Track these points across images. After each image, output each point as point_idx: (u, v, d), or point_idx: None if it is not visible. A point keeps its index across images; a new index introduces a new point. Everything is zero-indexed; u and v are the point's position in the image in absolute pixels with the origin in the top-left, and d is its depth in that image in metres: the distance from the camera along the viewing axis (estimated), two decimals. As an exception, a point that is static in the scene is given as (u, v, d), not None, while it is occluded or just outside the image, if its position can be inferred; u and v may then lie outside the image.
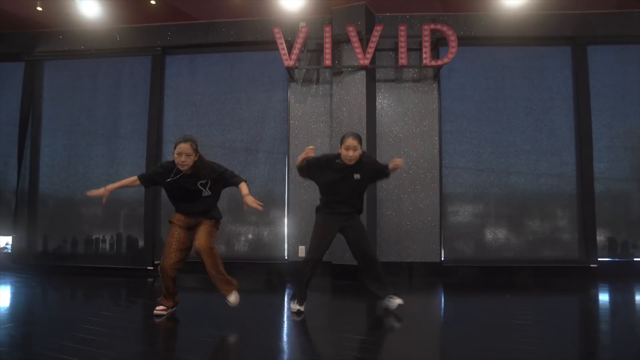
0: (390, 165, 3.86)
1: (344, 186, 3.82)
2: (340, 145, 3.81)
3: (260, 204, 3.39)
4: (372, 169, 3.90)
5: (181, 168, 3.48)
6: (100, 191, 3.47)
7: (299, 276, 3.91)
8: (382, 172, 3.95)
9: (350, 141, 3.73)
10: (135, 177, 3.63)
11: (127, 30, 6.17)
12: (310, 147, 3.84)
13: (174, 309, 3.76)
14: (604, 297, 4.92)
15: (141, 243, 6.01)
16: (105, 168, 6.19)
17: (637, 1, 5.33)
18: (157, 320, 3.59)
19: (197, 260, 3.62)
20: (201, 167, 3.54)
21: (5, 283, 5.31)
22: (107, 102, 6.29)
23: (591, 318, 4.06)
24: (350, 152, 3.73)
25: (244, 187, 3.50)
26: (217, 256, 3.62)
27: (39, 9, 5.30)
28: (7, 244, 6.37)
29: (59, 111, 6.38)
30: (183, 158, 3.44)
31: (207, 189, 3.59)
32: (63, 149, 6.31)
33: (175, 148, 3.47)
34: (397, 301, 3.82)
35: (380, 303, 3.97)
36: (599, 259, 5.49)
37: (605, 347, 3.23)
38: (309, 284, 3.89)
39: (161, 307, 3.67)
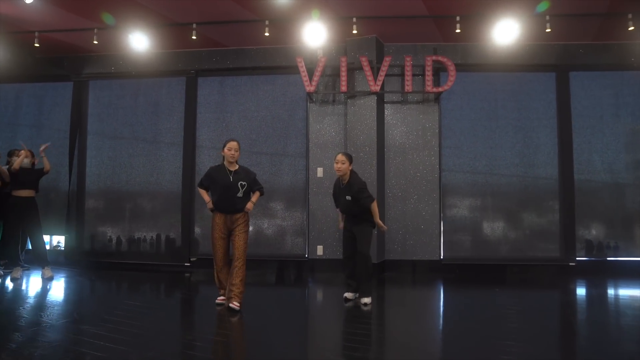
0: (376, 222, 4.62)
1: (342, 201, 4.72)
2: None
3: (249, 208, 4.48)
4: (355, 194, 4.58)
5: (231, 160, 4.38)
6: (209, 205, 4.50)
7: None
8: (361, 201, 4.58)
9: (339, 157, 4.65)
10: (203, 190, 4.54)
11: (164, 55, 7.00)
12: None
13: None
14: (580, 292, 5.74)
15: (178, 242, 6.86)
16: (145, 177, 7.04)
17: (611, 34, 6.14)
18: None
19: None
20: (243, 168, 4.54)
21: (61, 275, 6.16)
22: (147, 118, 7.14)
23: (569, 310, 4.88)
24: (339, 164, 4.61)
25: (256, 196, 4.56)
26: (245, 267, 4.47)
27: (95, 42, 6.13)
28: (59, 242, 7.24)
29: (104, 126, 7.24)
30: (233, 152, 4.39)
31: (242, 190, 4.43)
32: (108, 160, 7.16)
33: (225, 145, 4.40)
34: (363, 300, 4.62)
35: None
36: (577, 258, 6.35)
37: (581, 335, 3.94)
38: (350, 275, 4.76)
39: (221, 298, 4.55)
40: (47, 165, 6.01)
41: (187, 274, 6.51)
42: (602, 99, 6.55)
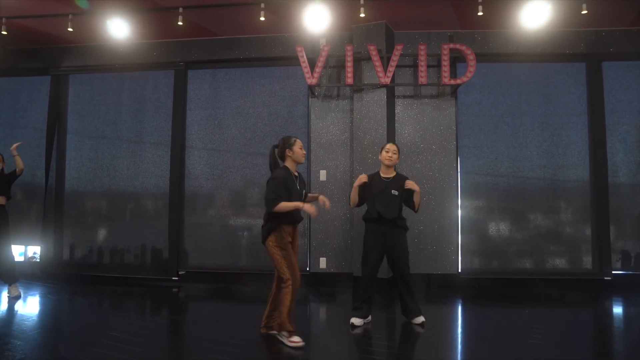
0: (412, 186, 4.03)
1: (384, 199, 4.05)
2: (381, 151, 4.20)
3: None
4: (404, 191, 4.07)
5: (303, 161, 3.78)
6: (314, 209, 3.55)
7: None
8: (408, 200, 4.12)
9: (391, 146, 4.13)
10: (286, 203, 3.51)
11: (150, 46, 6.31)
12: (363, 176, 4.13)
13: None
14: (617, 310, 5.03)
15: (165, 254, 6.17)
16: (130, 180, 6.36)
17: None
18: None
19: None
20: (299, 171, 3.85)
21: (34, 291, 5.50)
22: (132, 116, 6.45)
23: (605, 331, 4.20)
24: (390, 153, 4.08)
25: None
26: None
27: (70, 29, 5.45)
28: (35, 253, 6.56)
29: (85, 124, 6.55)
30: (304, 151, 3.75)
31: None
32: (89, 161, 6.48)
33: (293, 143, 3.69)
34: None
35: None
36: (613, 272, 5.63)
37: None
38: (368, 299, 4.09)
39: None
40: (20, 164, 5.27)
41: (175, 289, 5.83)
42: (639, 92, 5.84)
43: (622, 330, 4.30)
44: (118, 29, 5.39)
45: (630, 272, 5.70)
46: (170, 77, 6.37)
